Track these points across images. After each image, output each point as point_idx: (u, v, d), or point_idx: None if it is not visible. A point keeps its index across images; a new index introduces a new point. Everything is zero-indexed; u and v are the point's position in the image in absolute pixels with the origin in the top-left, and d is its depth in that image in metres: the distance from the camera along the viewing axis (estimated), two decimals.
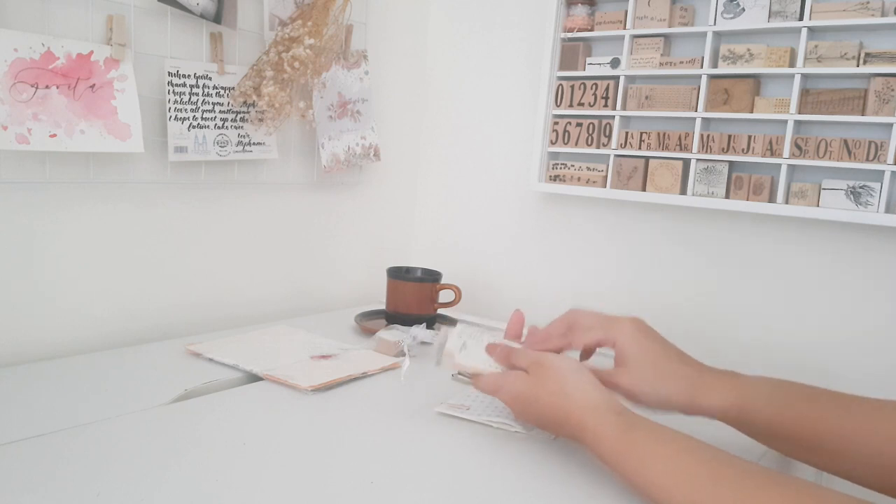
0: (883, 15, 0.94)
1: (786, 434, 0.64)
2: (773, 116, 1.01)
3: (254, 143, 1.08)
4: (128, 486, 0.57)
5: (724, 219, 1.10)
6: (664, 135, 1.10)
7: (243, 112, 1.06)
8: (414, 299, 1.11)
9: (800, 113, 0.99)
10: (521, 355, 0.71)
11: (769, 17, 1.00)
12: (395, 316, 1.12)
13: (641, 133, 1.12)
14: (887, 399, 0.61)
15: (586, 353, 0.76)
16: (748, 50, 1.02)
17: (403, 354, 0.92)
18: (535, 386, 0.67)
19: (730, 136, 1.04)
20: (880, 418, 0.59)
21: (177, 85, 0.97)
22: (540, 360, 0.68)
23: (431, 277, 1.15)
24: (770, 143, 1.01)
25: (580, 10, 1.16)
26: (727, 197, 1.05)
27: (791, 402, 0.64)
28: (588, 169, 1.17)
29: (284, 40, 1.02)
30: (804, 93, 0.99)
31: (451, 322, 1.16)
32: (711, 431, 0.66)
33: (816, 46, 0.97)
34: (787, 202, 1.01)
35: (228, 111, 1.04)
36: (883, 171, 0.94)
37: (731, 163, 1.05)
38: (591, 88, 1.16)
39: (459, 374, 0.82)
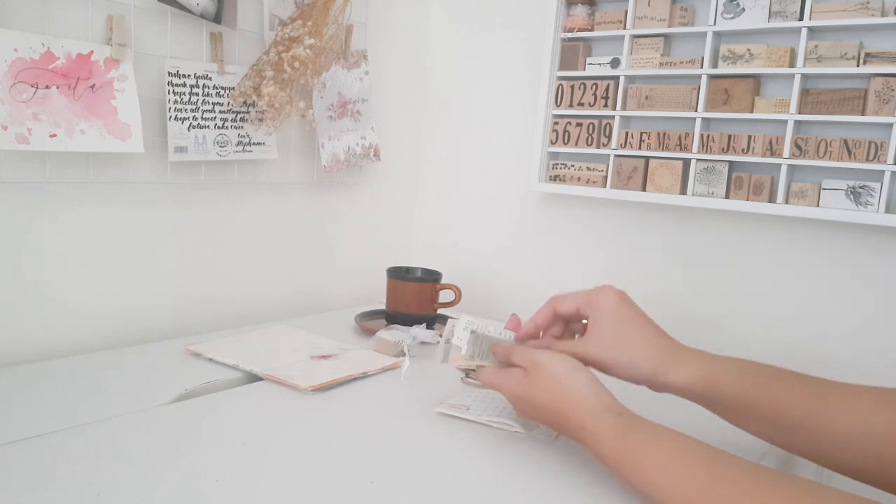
0: (883, 15, 0.94)
1: (750, 411, 0.64)
2: (773, 116, 1.01)
3: (254, 143, 1.08)
4: (128, 486, 0.57)
5: (724, 219, 1.10)
6: (664, 135, 1.10)
7: (243, 112, 1.06)
8: (414, 299, 1.11)
9: (800, 113, 0.99)
10: (520, 354, 0.70)
11: (769, 17, 1.00)
12: (395, 316, 1.12)
13: (641, 133, 1.12)
14: (851, 383, 0.62)
15: (568, 327, 0.75)
16: (748, 50, 1.02)
17: (403, 354, 0.92)
18: (532, 387, 0.67)
19: (730, 136, 1.04)
20: (842, 400, 0.60)
21: (177, 85, 0.97)
22: (537, 361, 0.68)
23: (431, 277, 1.15)
24: (770, 143, 1.01)
25: (580, 10, 1.16)
26: (727, 197, 1.05)
27: (757, 380, 0.64)
28: (588, 169, 1.17)
29: (284, 40, 1.02)
30: (804, 93, 0.99)
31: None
32: (711, 431, 0.66)
33: (816, 46, 0.97)
34: (787, 202, 1.01)
35: (228, 111, 1.04)
36: (883, 171, 0.94)
37: (731, 163, 1.05)
38: (591, 88, 1.16)
39: (468, 376, 0.82)
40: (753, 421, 0.65)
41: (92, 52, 0.87)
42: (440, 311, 1.15)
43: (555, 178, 1.21)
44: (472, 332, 0.75)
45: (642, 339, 0.69)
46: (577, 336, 0.76)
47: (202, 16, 0.98)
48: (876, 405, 0.58)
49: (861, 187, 0.95)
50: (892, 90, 0.93)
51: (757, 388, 0.64)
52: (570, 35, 1.17)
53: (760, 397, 0.63)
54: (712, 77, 1.05)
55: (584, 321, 0.73)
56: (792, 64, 1.00)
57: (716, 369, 0.66)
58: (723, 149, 1.05)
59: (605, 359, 0.68)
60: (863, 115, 0.95)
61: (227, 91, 1.03)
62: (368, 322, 1.12)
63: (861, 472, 0.59)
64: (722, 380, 0.65)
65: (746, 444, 0.72)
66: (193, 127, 1.00)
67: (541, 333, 0.75)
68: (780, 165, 1.00)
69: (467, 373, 0.81)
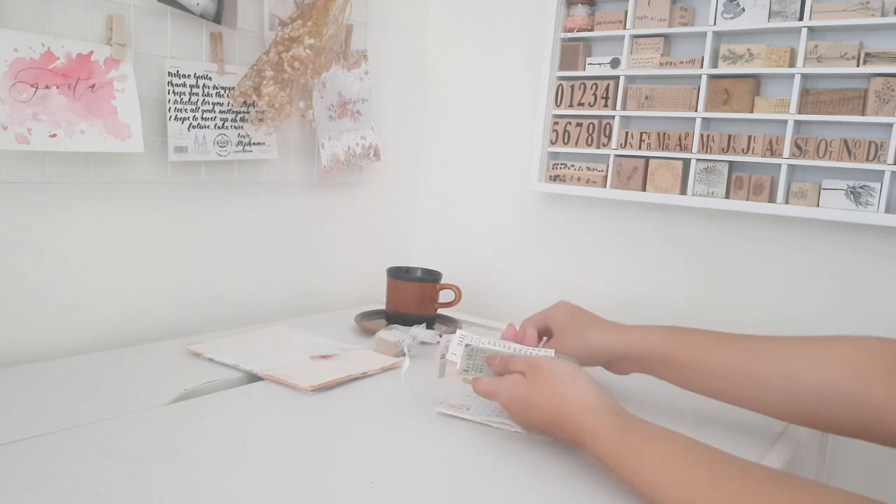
0: (883, 15, 0.94)
1: (673, 365, 0.75)
2: (773, 116, 1.01)
3: (254, 143, 1.08)
4: (128, 486, 0.57)
5: (724, 219, 1.10)
6: (664, 135, 1.10)
7: (243, 112, 1.06)
8: (414, 299, 1.11)
9: (800, 113, 0.99)
10: (518, 360, 0.71)
11: (769, 17, 1.00)
12: (395, 316, 1.12)
13: (641, 133, 1.12)
14: (781, 335, 0.70)
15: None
16: (748, 50, 1.02)
17: (403, 354, 0.92)
18: (532, 389, 0.67)
19: (730, 136, 1.04)
20: (761, 346, 0.70)
21: (177, 85, 0.97)
22: (536, 364, 0.69)
23: (431, 277, 1.15)
24: (770, 143, 1.01)
25: (580, 10, 1.16)
26: (727, 197, 1.05)
27: (681, 338, 0.75)
28: (588, 169, 1.17)
29: (284, 40, 1.02)
30: (804, 93, 0.99)
31: (452, 322, 1.16)
32: (711, 431, 0.66)
33: (816, 46, 0.97)
34: (787, 202, 1.01)
35: (228, 111, 1.04)
36: (883, 171, 0.94)
37: (731, 163, 1.05)
38: (591, 88, 1.16)
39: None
40: (687, 377, 0.75)
41: (92, 52, 0.87)
42: (440, 311, 1.15)
43: (555, 178, 1.21)
44: (467, 345, 0.75)
45: (591, 330, 0.82)
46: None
47: (202, 16, 0.98)
48: (792, 347, 0.68)
49: (861, 187, 0.95)
50: (892, 90, 0.93)
51: (680, 344, 0.75)
52: (570, 35, 1.17)
53: (682, 351, 0.74)
54: (712, 77, 1.05)
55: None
56: (792, 64, 1.00)
57: (648, 339, 0.77)
58: (723, 149, 1.05)
59: (568, 350, 0.79)
60: (863, 115, 0.95)
61: (227, 91, 1.03)
62: (368, 322, 1.12)
63: (786, 412, 0.68)
64: (652, 342, 0.77)
65: (747, 444, 0.72)
66: (193, 127, 1.00)
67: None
68: (780, 165, 1.00)
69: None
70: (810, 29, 0.98)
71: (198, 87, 1.00)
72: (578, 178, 1.18)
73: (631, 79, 1.14)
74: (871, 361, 0.62)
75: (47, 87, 0.83)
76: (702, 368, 0.73)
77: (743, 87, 1.03)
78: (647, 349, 0.77)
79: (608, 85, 1.14)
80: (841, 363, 0.64)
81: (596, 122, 1.16)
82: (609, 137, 1.15)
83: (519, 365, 0.70)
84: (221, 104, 1.03)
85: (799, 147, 0.99)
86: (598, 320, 0.84)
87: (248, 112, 1.06)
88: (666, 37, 1.10)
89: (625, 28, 1.12)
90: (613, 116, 1.14)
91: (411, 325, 1.02)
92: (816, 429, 0.68)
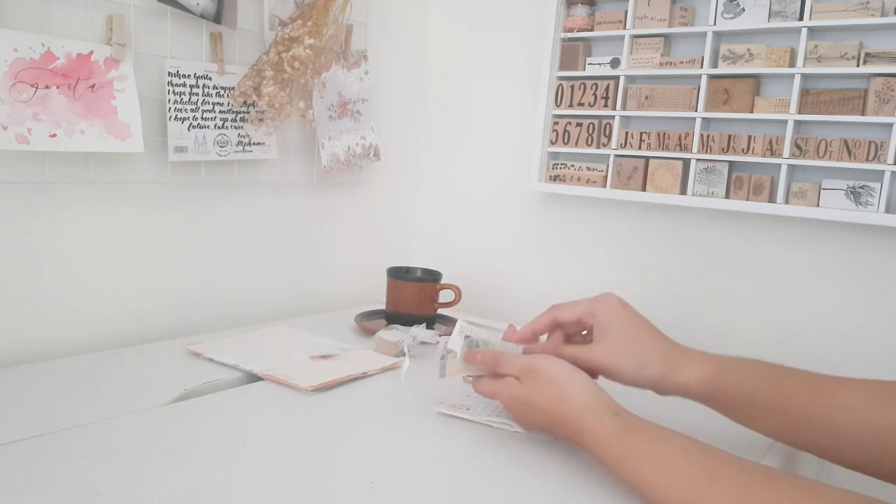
0: (883, 15, 0.94)
1: (758, 409, 0.65)
2: (773, 116, 1.01)
3: (254, 143, 1.08)
4: (128, 486, 0.57)
5: (724, 219, 1.10)
6: (664, 135, 1.10)
7: (243, 112, 1.06)
8: (414, 299, 1.11)
9: (800, 113, 0.99)
10: (508, 363, 0.70)
11: (769, 17, 1.00)
12: (395, 316, 1.12)
13: (641, 133, 1.12)
14: (855, 377, 0.63)
15: (567, 335, 0.75)
16: (748, 50, 1.02)
17: (403, 354, 0.92)
18: (530, 391, 0.67)
19: (730, 136, 1.04)
20: (848, 395, 0.61)
21: (177, 85, 0.97)
22: (530, 366, 0.68)
23: (431, 277, 1.15)
24: (770, 143, 1.01)
25: (580, 10, 1.16)
26: (727, 197, 1.05)
27: (764, 378, 0.66)
28: (588, 169, 1.17)
29: (284, 40, 1.02)
30: (804, 93, 0.99)
31: (452, 322, 1.15)
32: (710, 431, 0.66)
33: (816, 46, 0.97)
34: (787, 202, 1.01)
35: (228, 111, 1.04)
36: (883, 171, 0.94)
37: (731, 163, 1.05)
38: (591, 88, 1.16)
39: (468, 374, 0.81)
40: (761, 418, 0.66)
41: (92, 52, 0.87)
42: (440, 311, 1.15)
43: (555, 178, 1.21)
44: (467, 336, 0.74)
45: (649, 343, 0.69)
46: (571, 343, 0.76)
47: (202, 16, 0.98)
48: (881, 399, 0.59)
49: (861, 187, 0.95)
50: (892, 90, 0.93)
51: (765, 386, 0.65)
52: (570, 35, 1.17)
53: (768, 395, 0.64)
54: (712, 77, 1.05)
55: (584, 332, 0.74)
56: (792, 64, 1.00)
57: (724, 369, 0.67)
58: (723, 149, 1.05)
59: (614, 363, 0.69)
60: (863, 115, 0.95)
61: (227, 91, 1.03)
62: (368, 322, 1.12)
63: (867, 466, 0.60)
64: (730, 379, 0.66)
65: (747, 444, 0.72)
66: (193, 127, 1.00)
67: (539, 339, 0.75)
68: (780, 165, 1.00)
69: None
70: (810, 29, 0.98)
71: (198, 87, 1.00)
72: (578, 178, 1.18)
73: (631, 79, 1.14)
74: None
75: (47, 87, 0.83)
76: (796, 417, 0.63)
77: (743, 87, 1.03)
78: (724, 387, 0.66)
79: (608, 85, 1.14)
80: None
81: (596, 122, 1.16)
82: (609, 137, 1.15)
83: (509, 368, 0.69)
84: (221, 104, 1.03)
85: (799, 147, 0.99)
86: (654, 335, 0.70)
87: (248, 112, 1.06)
88: (666, 37, 1.10)
89: (625, 28, 1.12)
90: (613, 116, 1.14)
91: (411, 325, 1.02)
92: None
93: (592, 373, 0.70)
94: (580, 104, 1.17)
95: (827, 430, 0.61)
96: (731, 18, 1.03)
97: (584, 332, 0.75)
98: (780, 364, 0.67)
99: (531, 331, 0.75)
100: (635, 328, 0.70)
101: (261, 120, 1.06)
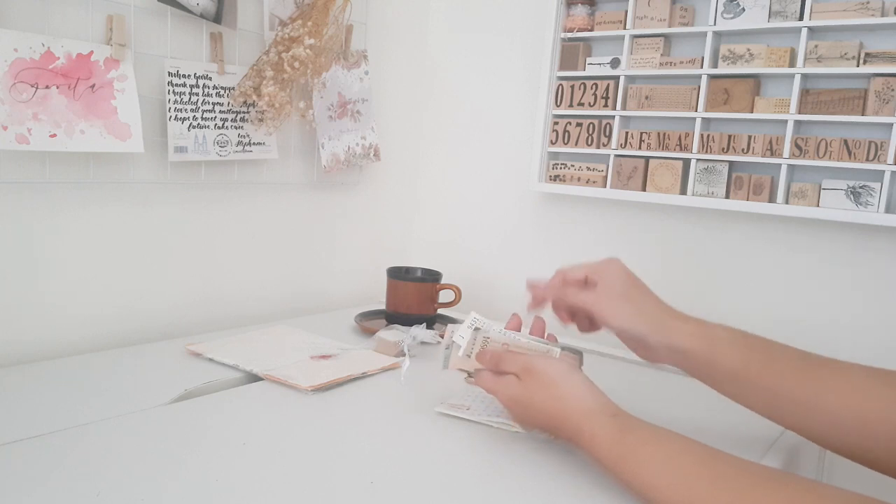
0: (883, 15, 0.94)
1: (749, 385, 0.65)
2: (773, 116, 1.01)
3: (254, 143, 1.08)
4: (128, 486, 0.57)
5: (724, 219, 1.10)
6: (664, 135, 1.10)
7: (243, 112, 1.06)
8: (414, 299, 1.11)
9: (800, 113, 0.99)
10: (509, 361, 0.70)
11: (769, 17, 1.00)
12: (395, 316, 1.12)
13: (641, 133, 1.12)
14: (847, 361, 0.63)
15: (572, 310, 0.76)
16: (748, 50, 1.02)
17: (403, 354, 0.92)
18: (528, 392, 0.67)
19: (730, 136, 1.04)
20: (840, 379, 0.61)
21: (177, 85, 0.97)
22: (529, 367, 0.68)
23: (431, 277, 1.15)
24: (770, 143, 1.01)
25: (580, 10, 1.16)
26: (727, 197, 1.05)
27: (757, 354, 0.66)
28: (588, 169, 1.17)
29: (284, 40, 1.02)
30: (804, 93, 0.99)
31: (452, 322, 1.15)
32: (709, 431, 0.66)
33: (816, 46, 0.97)
34: (787, 202, 1.01)
35: (228, 111, 1.04)
36: (883, 171, 0.94)
37: (731, 163, 1.05)
38: (591, 88, 1.16)
39: (470, 376, 0.81)
40: (749, 394, 0.66)
41: (92, 52, 0.87)
42: (440, 311, 1.15)
43: (555, 178, 1.21)
44: (476, 328, 0.74)
45: (649, 297, 0.72)
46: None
47: (202, 16, 0.98)
48: (871, 385, 0.60)
49: (861, 187, 0.95)
50: (892, 90, 0.93)
51: (756, 362, 0.65)
52: (570, 35, 1.17)
53: (758, 372, 0.64)
54: (712, 77, 1.05)
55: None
56: (792, 64, 1.00)
57: (716, 339, 0.68)
58: (723, 149, 1.05)
59: (614, 306, 0.71)
60: (863, 115, 0.95)
61: (227, 91, 1.03)
62: (368, 322, 1.12)
63: (855, 452, 0.60)
64: (722, 350, 0.67)
65: (747, 445, 0.72)
66: (193, 127, 1.00)
67: (550, 302, 0.76)
68: (780, 165, 1.00)
69: (470, 374, 0.81)
70: (810, 29, 0.98)
71: (198, 87, 1.00)
72: (578, 178, 1.18)
73: (631, 79, 1.14)
74: None
75: (47, 87, 0.83)
76: (785, 396, 0.63)
77: (743, 87, 1.03)
78: (715, 357, 0.67)
79: (608, 85, 1.14)
80: None
81: (596, 122, 1.16)
82: (609, 137, 1.15)
83: (510, 366, 0.69)
84: (221, 104, 1.03)
85: (799, 147, 0.99)
86: (652, 296, 0.73)
87: (248, 112, 1.06)
88: (666, 37, 1.10)
89: (625, 28, 1.12)
90: (613, 116, 1.14)
91: (411, 325, 1.02)
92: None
93: (591, 317, 0.72)
94: (580, 104, 1.17)
95: (814, 412, 0.61)
96: (731, 18, 1.03)
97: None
98: (773, 340, 0.68)
99: (542, 296, 0.76)
100: (636, 284, 0.74)
101: (261, 120, 1.06)
